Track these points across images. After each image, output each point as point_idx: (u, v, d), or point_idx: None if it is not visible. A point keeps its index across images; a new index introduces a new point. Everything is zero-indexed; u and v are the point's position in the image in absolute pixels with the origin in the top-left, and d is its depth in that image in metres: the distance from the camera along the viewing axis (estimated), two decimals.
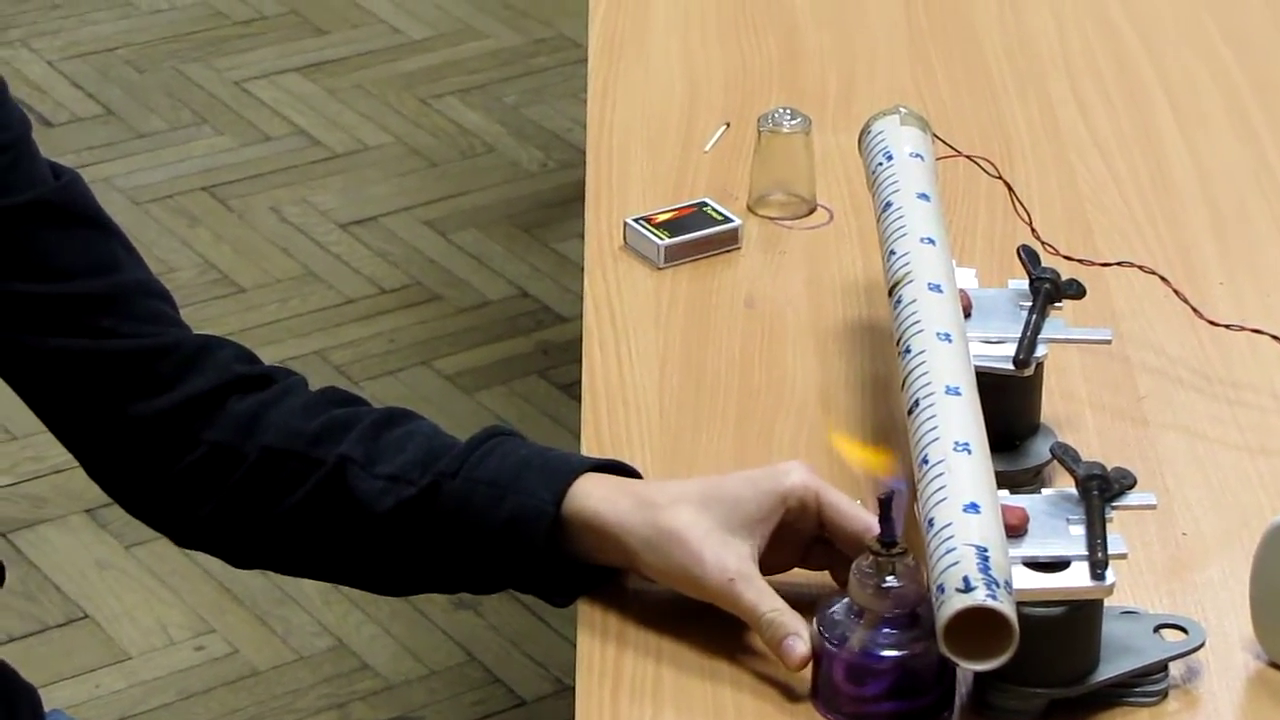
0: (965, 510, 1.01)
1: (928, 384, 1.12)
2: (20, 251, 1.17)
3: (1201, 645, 1.08)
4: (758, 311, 1.44)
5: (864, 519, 1.09)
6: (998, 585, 0.97)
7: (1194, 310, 1.34)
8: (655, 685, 1.06)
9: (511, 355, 2.51)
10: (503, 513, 1.10)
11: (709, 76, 1.75)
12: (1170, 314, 1.38)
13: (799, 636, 1.05)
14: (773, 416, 1.34)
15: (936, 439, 1.07)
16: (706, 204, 1.49)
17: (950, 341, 1.16)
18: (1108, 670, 1.06)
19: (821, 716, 1.07)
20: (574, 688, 1.08)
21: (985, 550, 0.98)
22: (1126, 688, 1.07)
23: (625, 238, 1.46)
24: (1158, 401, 1.34)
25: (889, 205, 1.29)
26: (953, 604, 0.96)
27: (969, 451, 1.06)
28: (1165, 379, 1.38)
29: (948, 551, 0.99)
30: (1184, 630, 1.09)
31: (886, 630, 1.05)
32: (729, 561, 1.07)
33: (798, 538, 1.12)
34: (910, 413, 1.12)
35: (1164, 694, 1.06)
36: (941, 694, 1.07)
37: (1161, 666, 1.07)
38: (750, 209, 1.51)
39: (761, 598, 1.06)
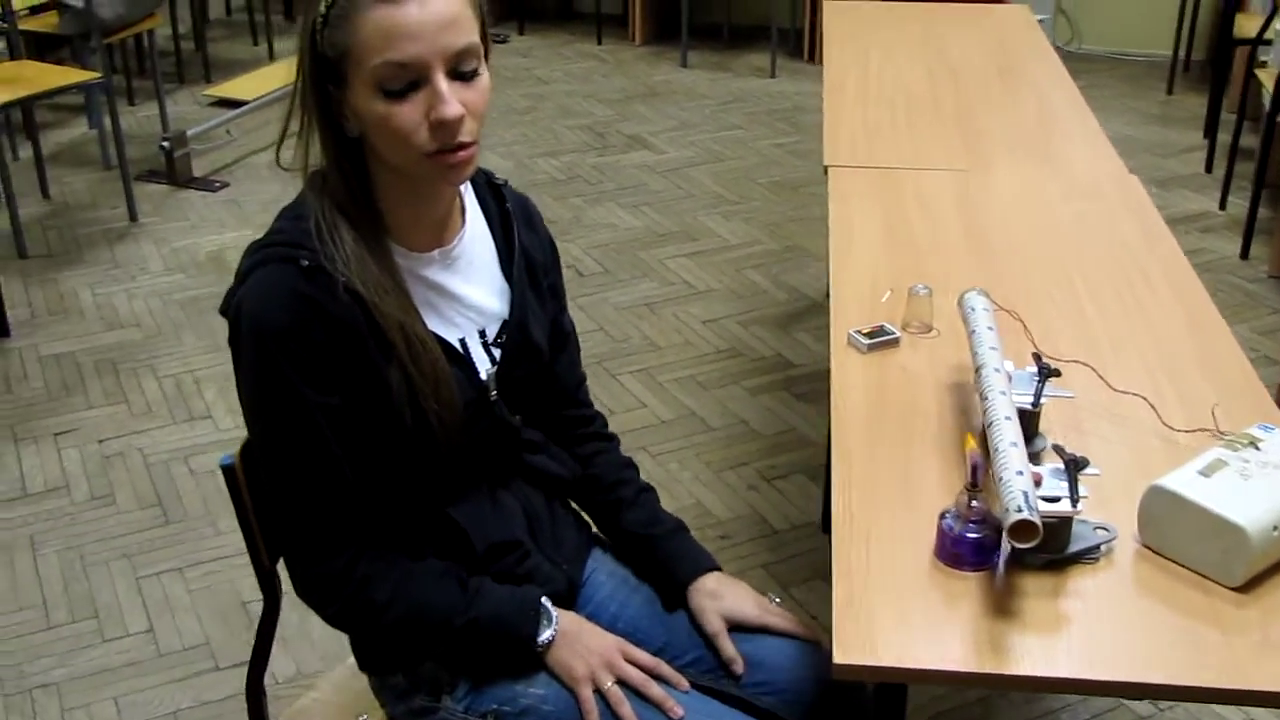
0: (1017, 474, 1.40)
1: (996, 414, 1.54)
2: (559, 356, 1.75)
3: (1115, 537, 1.50)
4: (908, 373, 1.89)
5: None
6: (1032, 509, 1.33)
7: (1106, 382, 1.80)
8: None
9: (769, 386, 3.77)
10: (668, 571, 1.74)
11: (881, 267, 2.22)
12: (1097, 385, 1.81)
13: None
14: (912, 424, 1.76)
15: (1001, 439, 1.48)
16: (884, 326, 1.98)
17: (1005, 395, 1.59)
18: (1074, 546, 1.47)
19: (940, 561, 1.47)
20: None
21: (1026, 492, 1.36)
22: (1082, 554, 1.47)
23: (849, 339, 1.95)
24: (1093, 424, 1.73)
25: (974, 332, 1.74)
26: (1012, 516, 1.33)
27: (1016, 446, 1.46)
28: (1094, 415, 1.76)
29: (1010, 493, 1.37)
30: (1108, 529, 1.50)
31: (970, 524, 1.45)
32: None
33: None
34: (988, 427, 1.54)
35: (1098, 558, 1.48)
36: (995, 557, 1.45)
37: (1098, 545, 1.48)
38: (903, 328, 1.98)
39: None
